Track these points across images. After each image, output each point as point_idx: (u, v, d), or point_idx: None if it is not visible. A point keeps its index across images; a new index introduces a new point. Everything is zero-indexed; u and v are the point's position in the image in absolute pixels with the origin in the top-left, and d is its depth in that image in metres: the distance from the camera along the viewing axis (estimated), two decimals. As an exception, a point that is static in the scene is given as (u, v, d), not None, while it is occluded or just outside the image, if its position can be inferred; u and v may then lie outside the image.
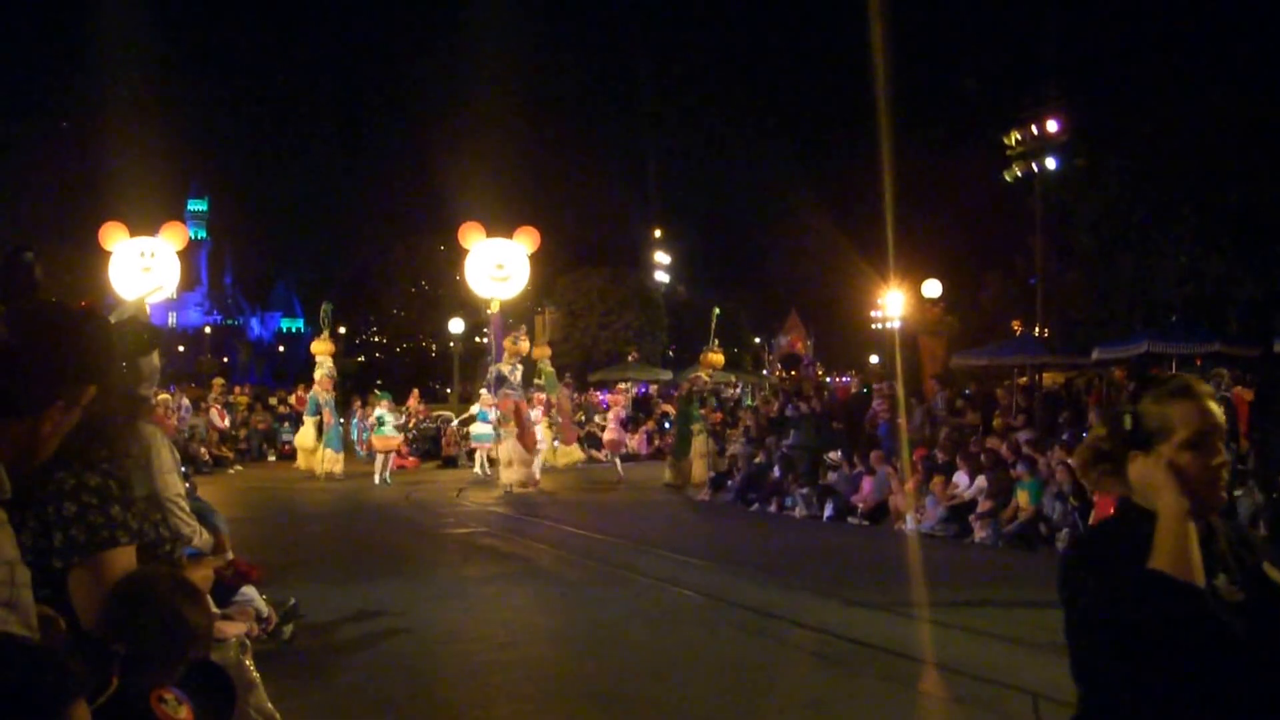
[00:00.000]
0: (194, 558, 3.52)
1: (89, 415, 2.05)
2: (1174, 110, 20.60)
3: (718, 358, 18.27)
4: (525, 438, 16.13)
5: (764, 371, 46.87)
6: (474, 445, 19.42)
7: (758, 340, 53.60)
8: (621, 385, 29.32)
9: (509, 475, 15.90)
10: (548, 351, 19.18)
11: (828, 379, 38.42)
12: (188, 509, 4.01)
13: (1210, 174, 19.56)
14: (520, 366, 16.77)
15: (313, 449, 18.15)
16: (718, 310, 17.81)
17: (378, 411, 18.59)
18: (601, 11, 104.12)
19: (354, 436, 20.17)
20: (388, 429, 18.25)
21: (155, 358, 3.87)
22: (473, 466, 19.06)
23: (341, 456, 18.07)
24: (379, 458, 17.93)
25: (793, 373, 35.27)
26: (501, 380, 16.40)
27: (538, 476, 16.41)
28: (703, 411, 17.16)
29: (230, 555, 4.69)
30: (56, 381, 1.79)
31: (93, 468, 2.09)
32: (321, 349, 18.28)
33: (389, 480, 17.73)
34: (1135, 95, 22.49)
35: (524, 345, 16.96)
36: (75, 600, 1.99)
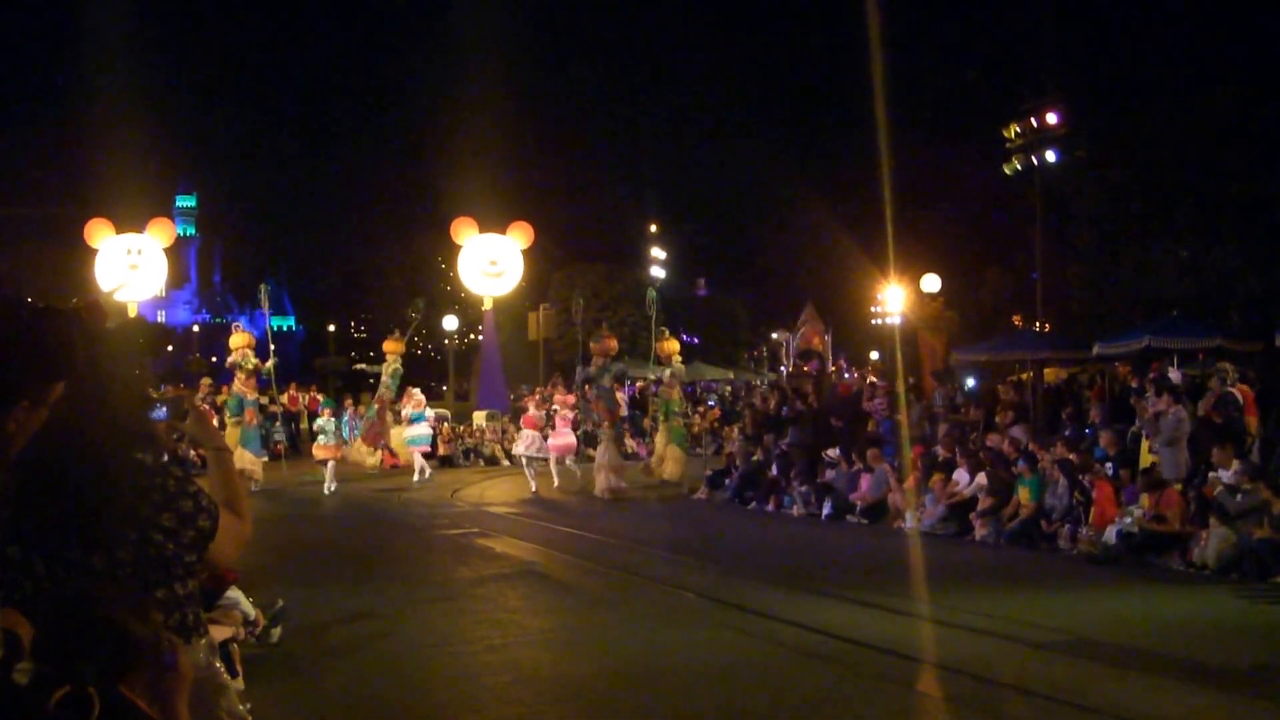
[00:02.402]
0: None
1: (115, 416, 2.13)
2: (1174, 102, 20.49)
3: (671, 345, 16.95)
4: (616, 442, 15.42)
5: (781, 367, 46.61)
6: (410, 449, 18.04)
7: (775, 335, 53.61)
8: (641, 383, 28.82)
9: (601, 481, 15.08)
10: (399, 348, 17.64)
11: (845, 374, 37.99)
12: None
13: (1211, 166, 19.45)
14: (612, 367, 15.87)
15: (235, 453, 16.81)
16: (653, 292, 16.78)
17: (318, 420, 17.08)
18: (596, 4, 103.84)
19: (345, 436, 19.76)
20: (328, 437, 16.56)
21: None
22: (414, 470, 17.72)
23: (261, 461, 16.62)
24: (327, 467, 16.41)
25: (805, 369, 35.04)
26: (590, 381, 15.66)
27: (623, 483, 15.32)
28: (690, 411, 16.68)
29: None
30: (21, 380, 1.70)
31: (167, 468, 2.22)
32: (240, 342, 16.48)
33: (334, 489, 16.25)
34: (1135, 87, 22.39)
35: (610, 344, 15.91)
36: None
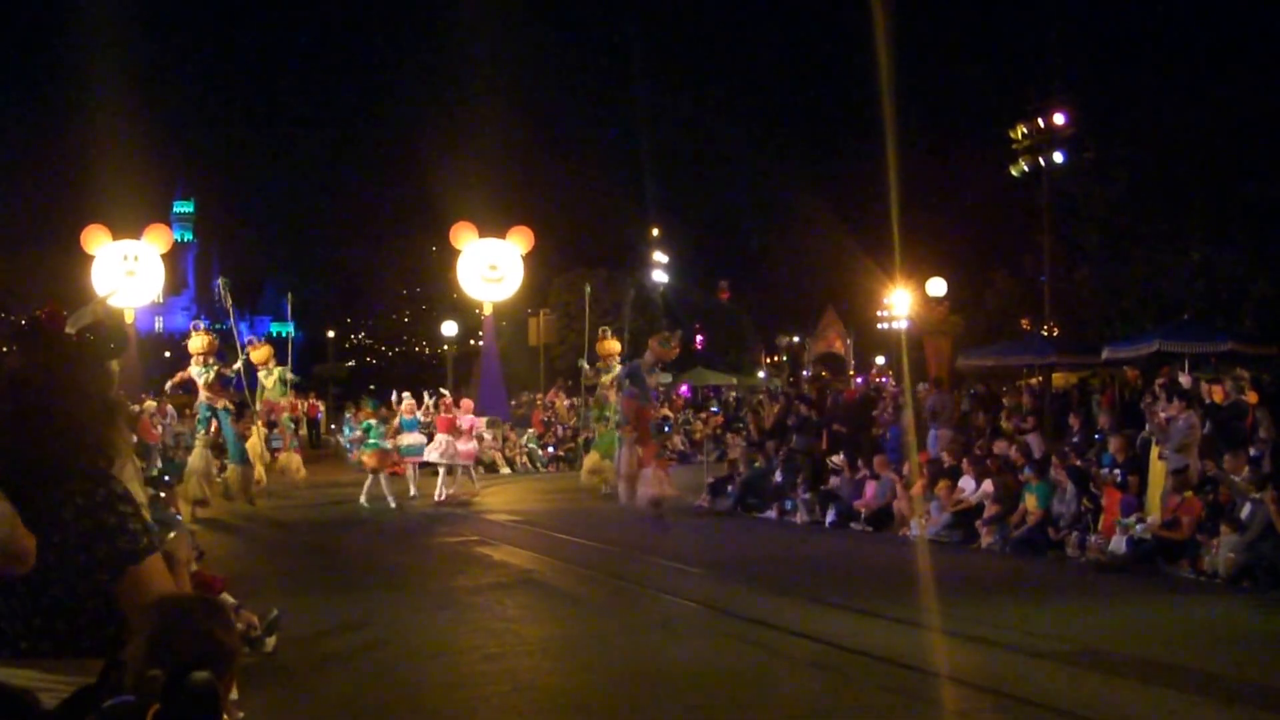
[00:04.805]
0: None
1: (70, 425, 2.07)
2: (1184, 102, 20.35)
3: (611, 345, 16.80)
4: (645, 447, 14.27)
5: (804, 371, 46.55)
6: (405, 460, 16.76)
7: (796, 339, 53.56)
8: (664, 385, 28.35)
9: (624, 489, 14.28)
10: (269, 350, 16.89)
11: (859, 379, 37.78)
12: (149, 521, 3.88)
13: (1223, 167, 19.30)
14: (659, 369, 15.18)
15: (204, 469, 14.27)
16: (589, 287, 16.79)
17: (365, 422, 15.78)
18: (597, 8, 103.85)
19: (344, 443, 19.41)
20: (379, 443, 15.41)
21: (114, 365, 3.72)
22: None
23: (240, 471, 15.01)
24: (383, 477, 15.25)
25: (823, 374, 34.92)
26: (630, 379, 14.87)
27: (664, 491, 14.13)
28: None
29: (194, 566, 4.54)
30: None
31: (108, 479, 2.12)
32: (199, 346, 14.72)
33: (405, 502, 15.31)
34: (1144, 87, 22.23)
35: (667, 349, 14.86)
36: (126, 607, 2.05)
